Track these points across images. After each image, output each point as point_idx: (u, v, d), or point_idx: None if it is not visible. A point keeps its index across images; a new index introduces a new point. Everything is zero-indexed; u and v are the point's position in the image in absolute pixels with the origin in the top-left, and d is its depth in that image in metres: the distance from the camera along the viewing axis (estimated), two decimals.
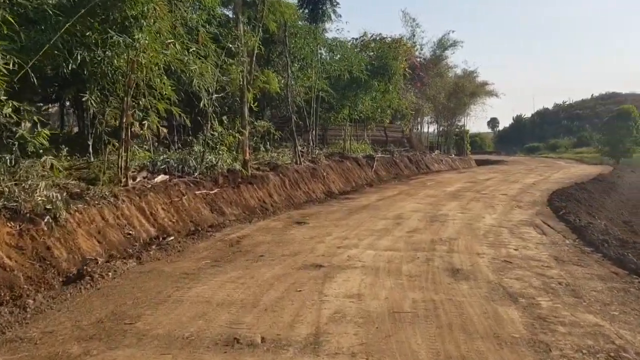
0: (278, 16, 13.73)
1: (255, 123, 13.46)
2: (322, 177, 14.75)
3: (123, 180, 8.71)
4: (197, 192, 9.78)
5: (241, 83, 11.91)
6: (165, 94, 9.21)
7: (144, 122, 9.17)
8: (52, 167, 7.20)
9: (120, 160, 8.80)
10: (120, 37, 8.06)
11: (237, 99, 12.43)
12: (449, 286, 5.35)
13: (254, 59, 12.69)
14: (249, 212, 10.57)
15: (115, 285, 5.46)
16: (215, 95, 11.20)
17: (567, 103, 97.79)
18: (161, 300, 4.91)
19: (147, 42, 8.42)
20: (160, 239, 7.92)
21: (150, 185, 9.07)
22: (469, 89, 31.06)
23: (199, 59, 9.82)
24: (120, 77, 8.86)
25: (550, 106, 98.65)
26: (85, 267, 5.94)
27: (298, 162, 14.59)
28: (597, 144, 65.71)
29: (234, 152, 12.20)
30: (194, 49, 9.60)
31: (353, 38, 23.10)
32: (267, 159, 13.92)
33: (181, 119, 10.92)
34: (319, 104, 17.78)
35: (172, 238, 7.96)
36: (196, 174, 10.39)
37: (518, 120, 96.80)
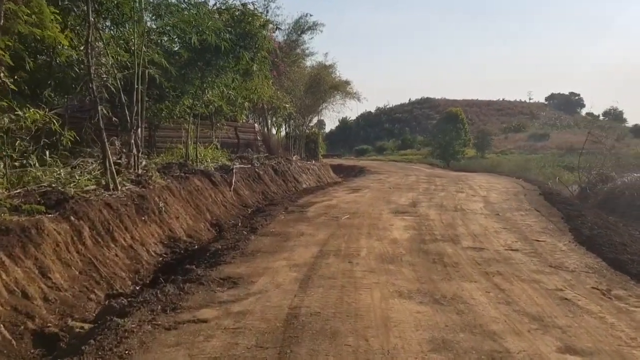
0: None
1: (18, 112, 6.52)
2: (157, 212, 8.30)
3: None
4: None
5: None
6: None
7: None
8: None
9: None
10: None
11: None
12: None
13: None
14: None
15: None
16: None
17: (387, 107, 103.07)
18: None
19: None
20: None
21: None
22: (328, 82, 26.65)
23: None
24: None
25: (372, 109, 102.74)
26: None
27: (112, 187, 7.90)
28: (419, 146, 69.11)
29: None
30: None
31: (189, 4, 16.64)
32: (43, 184, 7.02)
33: None
34: (145, 87, 11.05)
35: None
36: None
37: (344, 123, 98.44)
